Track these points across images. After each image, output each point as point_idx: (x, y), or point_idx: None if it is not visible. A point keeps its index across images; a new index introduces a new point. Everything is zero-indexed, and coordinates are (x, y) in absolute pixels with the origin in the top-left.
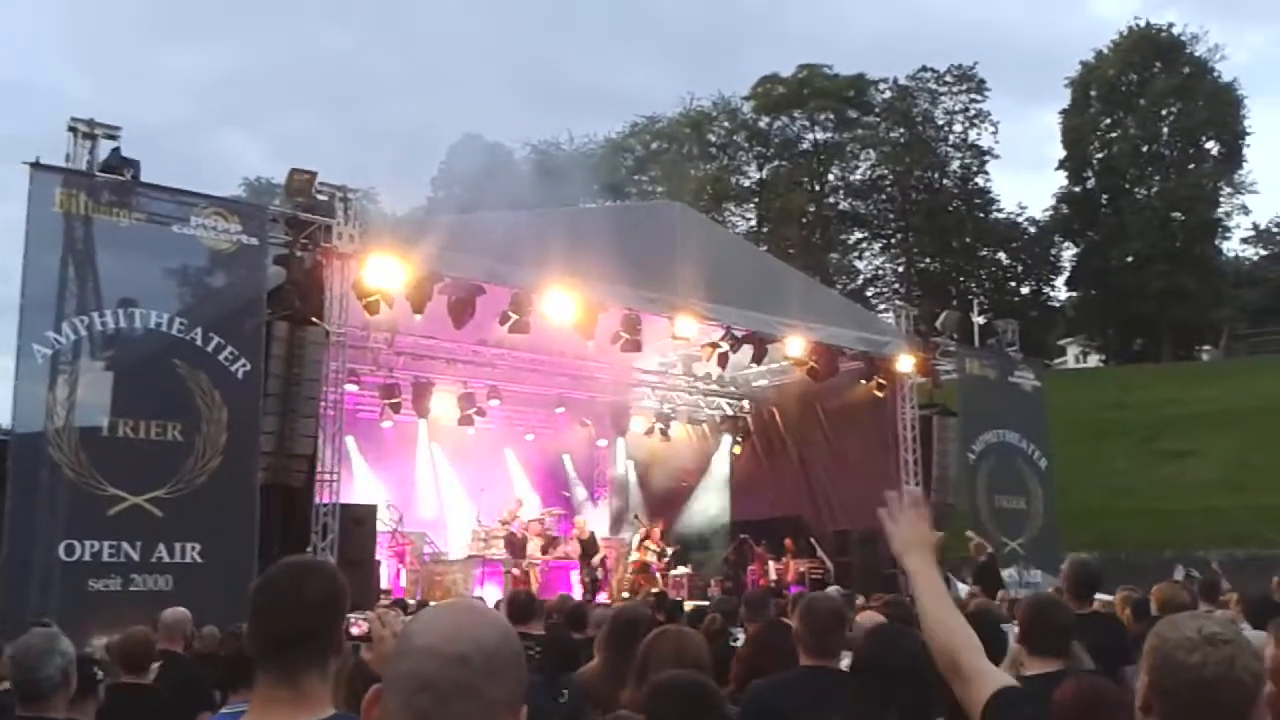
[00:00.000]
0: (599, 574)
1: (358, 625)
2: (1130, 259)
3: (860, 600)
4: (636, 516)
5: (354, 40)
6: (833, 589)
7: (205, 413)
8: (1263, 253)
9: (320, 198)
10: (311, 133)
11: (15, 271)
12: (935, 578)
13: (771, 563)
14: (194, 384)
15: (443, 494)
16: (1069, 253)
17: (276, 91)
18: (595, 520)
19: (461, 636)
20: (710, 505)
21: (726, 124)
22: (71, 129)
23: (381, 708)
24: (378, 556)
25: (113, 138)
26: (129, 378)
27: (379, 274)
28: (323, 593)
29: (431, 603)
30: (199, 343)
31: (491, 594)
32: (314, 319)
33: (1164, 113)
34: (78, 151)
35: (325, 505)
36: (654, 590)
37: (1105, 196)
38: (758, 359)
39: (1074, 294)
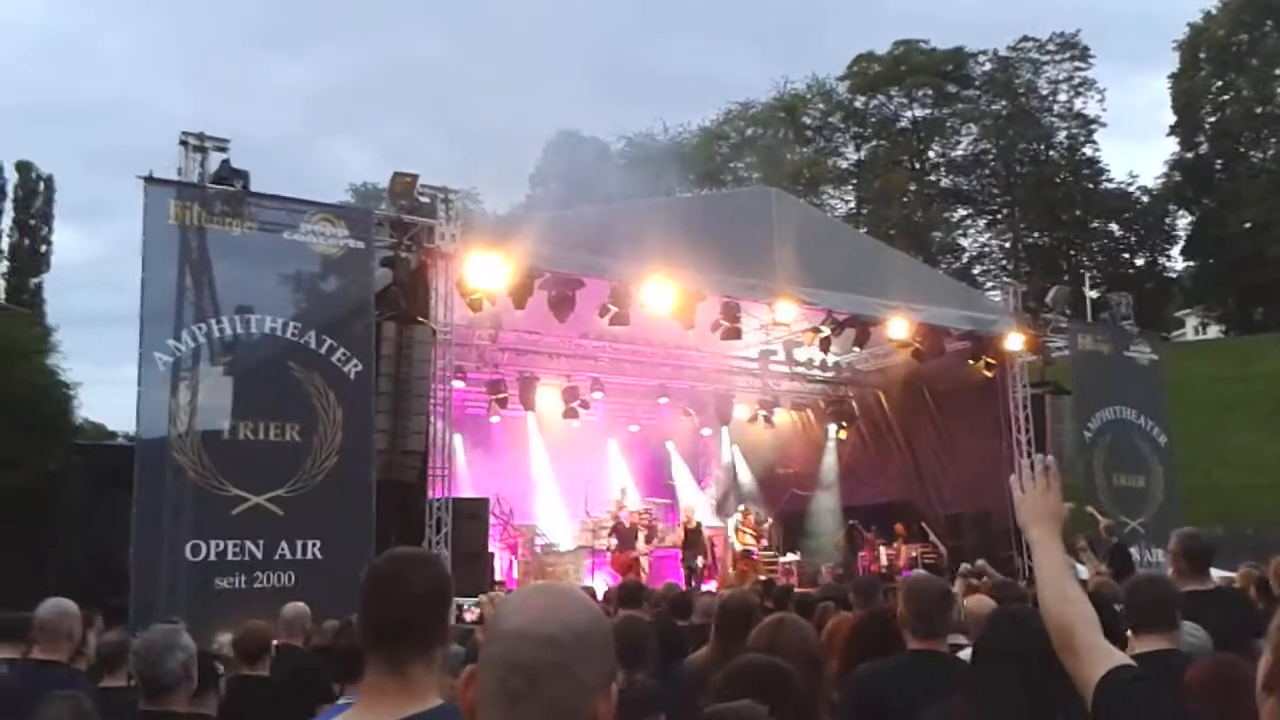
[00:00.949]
0: (702, 562)
1: (470, 611)
2: (1248, 225)
3: (959, 585)
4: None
5: (451, 45)
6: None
7: (321, 413)
8: None
9: (422, 200)
10: (414, 137)
11: (135, 283)
12: (1058, 550)
13: (883, 548)
14: (310, 386)
15: (551, 486)
16: (1183, 221)
17: (379, 99)
18: (702, 509)
19: (551, 619)
20: (818, 491)
21: (821, 106)
22: (183, 143)
23: (476, 688)
24: (490, 549)
25: (222, 149)
26: (248, 381)
27: (481, 272)
28: (429, 584)
29: None
30: (313, 345)
31: (602, 584)
32: (420, 318)
33: (1277, 72)
34: (189, 164)
35: (438, 500)
36: (761, 577)
37: (1219, 161)
38: (860, 342)
39: (1190, 263)
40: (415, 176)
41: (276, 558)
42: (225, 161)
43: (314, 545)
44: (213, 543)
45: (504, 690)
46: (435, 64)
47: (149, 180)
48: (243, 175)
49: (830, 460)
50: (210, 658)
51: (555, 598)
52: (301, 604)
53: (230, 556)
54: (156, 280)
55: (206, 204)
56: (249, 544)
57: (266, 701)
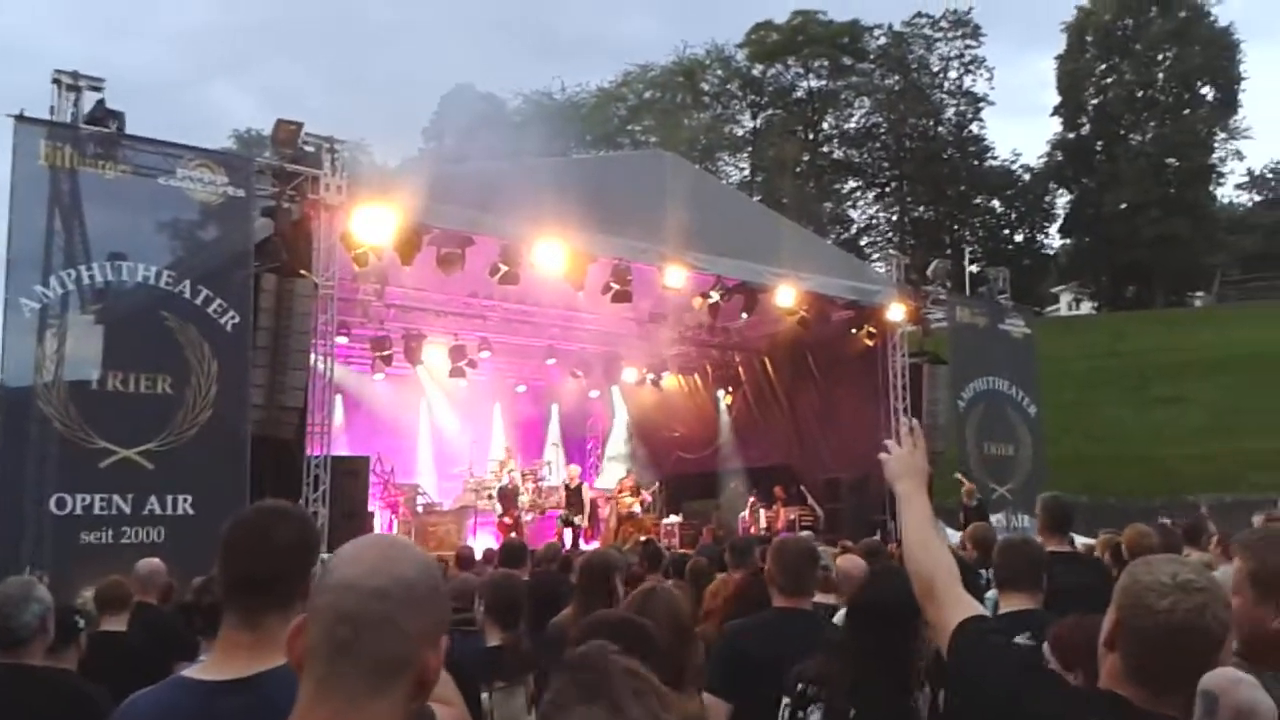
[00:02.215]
0: (582, 523)
1: None
2: (1124, 206)
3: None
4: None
5: None
6: (805, 533)
7: (195, 365)
8: (1256, 199)
9: (307, 149)
10: (303, 85)
11: (1, 226)
12: (923, 504)
13: (762, 510)
14: (183, 337)
15: (434, 446)
16: (1063, 200)
17: (268, 43)
18: (585, 470)
19: (381, 570)
20: (704, 454)
21: (720, 72)
22: (55, 81)
23: (304, 638)
24: (370, 508)
25: (97, 89)
26: (119, 331)
27: (367, 226)
28: (292, 537)
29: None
30: (188, 295)
31: (484, 543)
32: (302, 271)
33: (1160, 58)
34: (62, 104)
35: (317, 457)
36: (642, 538)
37: (1100, 143)
38: (748, 309)
39: (1067, 241)
40: (300, 125)
41: (146, 513)
42: (100, 102)
43: (185, 501)
44: (79, 496)
45: (331, 640)
46: (328, 8)
47: (19, 119)
48: (118, 116)
49: (723, 423)
50: (70, 612)
51: (386, 549)
52: (157, 560)
53: (97, 511)
54: (24, 223)
55: (79, 145)
56: (117, 498)
57: (125, 656)
